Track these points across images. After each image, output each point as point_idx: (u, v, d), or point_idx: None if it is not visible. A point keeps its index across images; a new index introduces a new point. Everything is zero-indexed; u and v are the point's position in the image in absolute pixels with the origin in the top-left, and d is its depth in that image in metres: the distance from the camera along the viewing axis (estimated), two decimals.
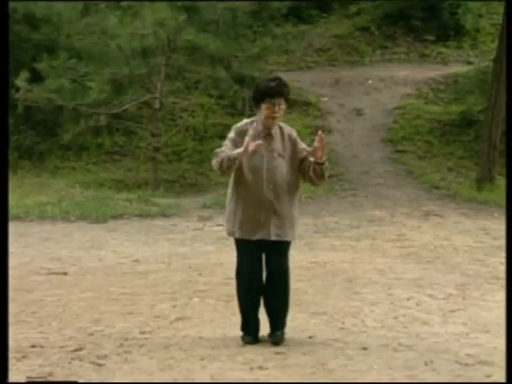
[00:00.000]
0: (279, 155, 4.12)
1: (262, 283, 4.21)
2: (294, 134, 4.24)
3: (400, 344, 4.22)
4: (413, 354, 4.02)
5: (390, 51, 17.26)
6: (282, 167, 4.11)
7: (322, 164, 4.09)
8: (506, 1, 10.97)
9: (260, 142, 4.02)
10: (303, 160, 4.15)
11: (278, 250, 4.17)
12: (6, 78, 4.17)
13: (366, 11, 17.99)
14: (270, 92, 4.06)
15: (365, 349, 4.11)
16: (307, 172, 4.13)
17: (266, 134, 4.13)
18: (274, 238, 4.10)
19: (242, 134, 4.08)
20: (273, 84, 4.09)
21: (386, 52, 17.24)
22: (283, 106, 4.11)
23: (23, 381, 3.57)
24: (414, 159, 13.27)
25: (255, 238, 4.09)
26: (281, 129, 4.21)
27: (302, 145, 4.22)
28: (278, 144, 4.15)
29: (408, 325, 4.65)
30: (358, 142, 13.99)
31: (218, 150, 4.14)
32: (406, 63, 16.77)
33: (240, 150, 3.97)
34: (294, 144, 4.18)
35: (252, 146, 3.94)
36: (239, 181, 4.11)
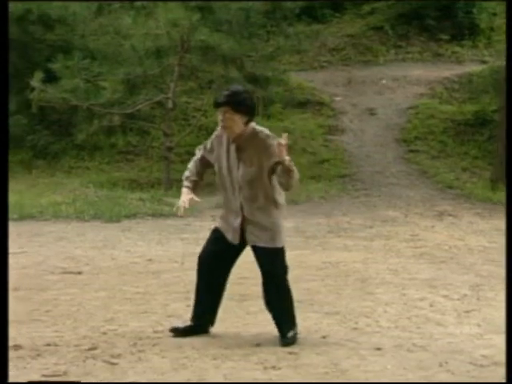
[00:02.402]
0: (247, 163, 4.07)
1: (218, 278, 4.25)
2: (269, 139, 4.08)
3: (414, 345, 4.20)
4: (427, 355, 4.01)
5: (404, 51, 17.21)
6: (250, 175, 4.07)
7: (284, 163, 4.00)
8: (506, 1, 10.89)
9: (185, 201, 4.20)
10: (276, 164, 4.07)
11: (263, 256, 4.16)
12: (6, 77, 4.18)
13: (380, 10, 17.95)
14: (216, 102, 4.13)
15: (378, 349, 4.10)
16: (276, 176, 4.09)
17: (233, 142, 4.13)
18: (250, 243, 4.17)
19: (214, 140, 4.23)
20: (220, 94, 4.16)
21: (399, 51, 17.19)
22: (229, 115, 4.05)
23: (38, 379, 3.60)
24: (428, 159, 13.22)
25: (229, 238, 4.19)
26: (254, 135, 4.11)
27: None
28: (246, 152, 4.09)
29: (422, 325, 4.63)
30: (371, 142, 13.95)
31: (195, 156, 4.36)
32: (420, 63, 16.71)
33: (183, 196, 4.25)
34: (265, 150, 4.05)
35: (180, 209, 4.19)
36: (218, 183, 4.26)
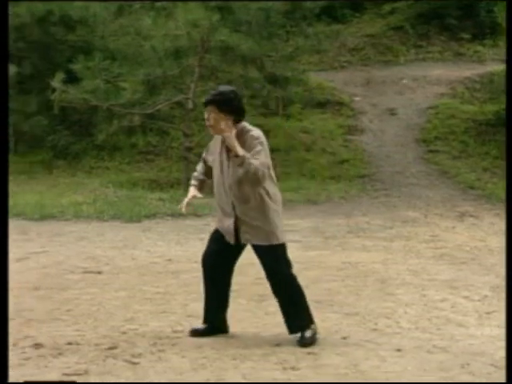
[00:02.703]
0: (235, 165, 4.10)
1: (221, 276, 4.29)
2: (256, 140, 4.08)
3: (434, 346, 4.17)
4: (448, 356, 3.97)
5: (424, 50, 17.12)
6: (238, 175, 4.08)
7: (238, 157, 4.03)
8: (506, 1, 10.77)
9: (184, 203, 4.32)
10: None
11: (263, 254, 4.17)
12: (6, 77, 4.21)
13: (400, 10, 17.87)
14: (204, 103, 4.23)
15: (398, 350, 4.08)
16: None
17: (223, 142, 4.19)
18: (245, 242, 4.19)
19: (215, 141, 4.33)
20: (208, 94, 4.25)
21: (420, 51, 17.10)
22: (213, 114, 4.12)
23: (60, 378, 3.62)
24: (448, 159, 13.13)
25: (226, 238, 4.24)
26: (242, 134, 4.12)
27: (257, 149, 4.06)
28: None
29: (442, 327, 4.60)
30: (391, 142, 13.89)
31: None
32: (441, 62, 16.61)
33: (188, 194, 4.41)
34: (249, 150, 4.06)
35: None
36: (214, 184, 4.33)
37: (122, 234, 8.29)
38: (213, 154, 4.32)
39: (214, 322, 4.36)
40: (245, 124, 4.19)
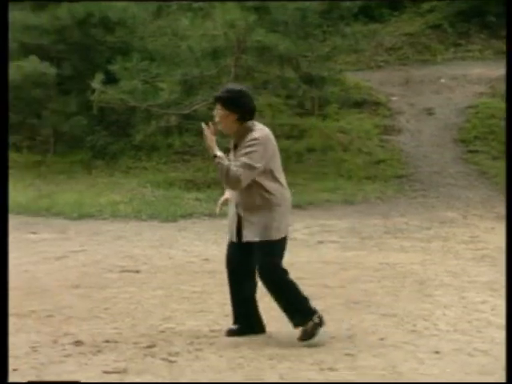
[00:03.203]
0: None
1: (241, 277, 4.30)
2: (251, 141, 4.07)
3: (475, 349, 4.11)
4: (489, 360, 3.91)
5: (464, 49, 16.88)
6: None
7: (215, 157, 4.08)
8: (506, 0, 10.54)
9: None
10: None
11: (256, 251, 4.17)
12: (6, 78, 4.25)
13: (439, 8, 17.65)
14: (213, 99, 4.31)
15: (437, 352, 4.03)
16: None
17: (232, 141, 4.26)
18: (243, 239, 4.20)
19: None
20: (217, 92, 4.32)
21: (459, 50, 16.87)
22: (219, 111, 4.19)
23: (100, 375, 3.66)
24: (488, 159, 12.93)
25: (232, 237, 4.30)
26: (245, 134, 4.14)
27: (248, 149, 4.07)
28: (238, 150, 4.17)
29: (482, 329, 4.53)
30: (429, 142, 13.73)
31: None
32: (480, 61, 16.37)
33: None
34: (241, 150, 4.11)
35: None
36: None
37: (158, 234, 8.36)
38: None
39: (244, 322, 4.37)
40: (252, 123, 4.17)
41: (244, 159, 4.05)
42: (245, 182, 4.06)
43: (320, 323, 4.18)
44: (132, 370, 3.74)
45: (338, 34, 13.03)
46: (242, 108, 4.16)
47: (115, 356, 3.95)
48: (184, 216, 9.52)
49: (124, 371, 3.71)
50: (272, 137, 4.22)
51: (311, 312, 4.20)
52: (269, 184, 4.15)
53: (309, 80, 12.78)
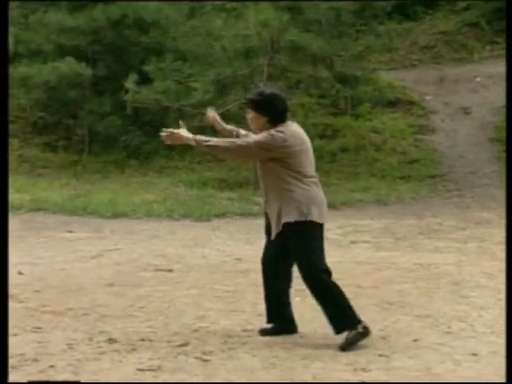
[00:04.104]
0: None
1: (275, 273, 4.31)
2: (274, 132, 4.11)
3: None
4: None
5: (501, 47, 16.60)
6: (263, 169, 4.20)
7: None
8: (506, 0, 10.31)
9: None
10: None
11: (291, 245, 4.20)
12: (6, 78, 4.28)
13: (476, 6, 17.40)
14: (245, 102, 4.44)
15: (474, 355, 3.97)
16: None
17: None
18: (272, 237, 4.23)
19: None
20: (247, 94, 4.39)
21: (495, 48, 16.62)
22: (250, 114, 4.25)
23: (133, 372, 3.70)
24: None
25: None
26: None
27: (259, 136, 4.17)
28: None
29: None
30: (464, 142, 13.56)
31: None
32: None
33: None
34: None
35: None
36: None
37: (192, 233, 8.40)
38: None
39: (277, 321, 4.36)
40: (283, 126, 4.14)
41: (253, 137, 4.22)
42: (241, 151, 4.18)
43: (364, 333, 4.10)
44: (166, 368, 3.77)
45: (371, 33, 12.95)
46: (272, 111, 4.17)
47: (149, 354, 3.98)
48: (217, 215, 9.55)
49: (158, 369, 3.74)
50: (302, 135, 4.20)
51: (355, 321, 4.13)
52: (290, 180, 4.12)
53: (342, 79, 12.72)
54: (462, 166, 12.59)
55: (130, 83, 11.56)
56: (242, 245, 7.70)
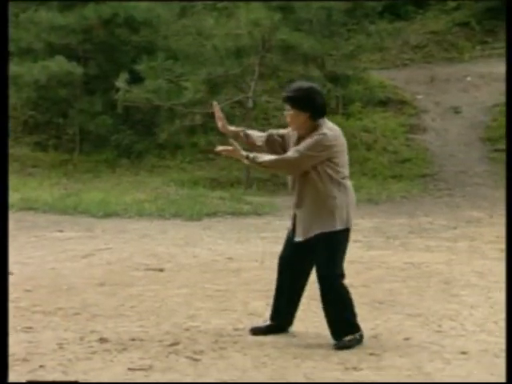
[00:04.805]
0: None
1: (294, 278, 4.25)
2: (315, 136, 4.02)
3: (502, 350, 4.06)
4: None
5: (491, 46, 16.70)
6: (309, 176, 4.08)
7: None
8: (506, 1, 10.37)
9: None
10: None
11: (315, 249, 4.16)
12: (6, 78, 4.27)
13: (466, 6, 17.47)
14: (282, 100, 4.21)
15: (464, 353, 3.99)
16: None
17: (297, 139, 4.17)
18: (296, 238, 4.17)
19: (290, 131, 4.29)
20: (284, 91, 4.21)
21: (485, 47, 16.69)
22: (289, 112, 4.10)
23: (124, 372, 3.69)
24: None
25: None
26: (320, 128, 4.08)
27: (305, 144, 4.04)
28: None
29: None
30: (455, 141, 13.62)
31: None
32: None
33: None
34: None
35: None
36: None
37: (183, 232, 8.39)
38: (284, 142, 4.26)
39: (280, 321, 4.34)
40: (323, 121, 4.09)
41: (299, 147, 4.02)
42: (294, 165, 4.03)
43: (360, 340, 4.11)
44: (157, 367, 3.77)
45: (362, 33, 12.98)
46: (313, 106, 4.04)
47: (140, 354, 3.97)
48: (208, 215, 9.54)
49: (149, 369, 3.74)
50: (342, 137, 4.15)
51: (355, 329, 4.13)
52: (331, 184, 4.08)
53: (333, 79, 12.75)
54: (452, 166, 12.64)
55: (121, 82, 11.54)
56: (233, 244, 7.69)
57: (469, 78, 15.60)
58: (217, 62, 11.72)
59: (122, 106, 12.03)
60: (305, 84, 4.22)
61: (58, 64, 12.50)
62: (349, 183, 4.21)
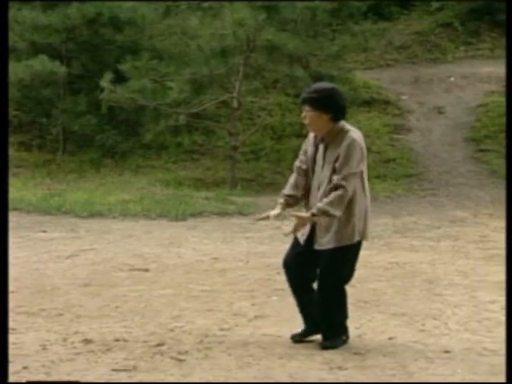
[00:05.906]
0: (330, 163, 3.99)
1: (303, 280, 4.16)
2: (352, 141, 3.96)
3: (485, 348, 4.09)
4: (499, 360, 3.89)
5: (474, 47, 16.80)
6: (326, 177, 4.00)
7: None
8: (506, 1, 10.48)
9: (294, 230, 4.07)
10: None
11: (323, 258, 4.08)
12: (6, 78, 4.25)
13: (450, 6, 17.56)
14: (300, 101, 4.11)
15: (447, 352, 4.01)
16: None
17: (319, 142, 4.08)
18: (317, 247, 4.06)
19: (307, 142, 4.20)
20: (303, 92, 4.11)
21: (469, 48, 16.79)
22: (309, 113, 4.00)
23: (108, 373, 3.67)
24: (498, 158, 12.86)
25: (300, 239, 4.14)
26: (340, 135, 4.00)
27: (346, 153, 3.95)
28: (330, 151, 4.01)
29: (493, 329, 4.51)
30: (439, 141, 13.69)
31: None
32: (491, 59, 16.27)
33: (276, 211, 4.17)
34: (336, 156, 3.97)
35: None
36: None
37: (168, 232, 8.37)
38: (308, 153, 4.14)
39: (311, 323, 4.21)
40: (343, 123, 4.04)
41: (344, 171, 3.91)
42: (351, 192, 3.97)
43: (345, 341, 4.12)
44: (141, 368, 3.75)
45: (347, 33, 13.01)
46: (335, 107, 3.97)
47: (125, 354, 3.96)
48: (193, 215, 9.52)
49: (133, 369, 3.72)
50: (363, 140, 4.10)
51: (344, 330, 4.13)
52: (358, 190, 4.03)
53: (318, 79, 12.72)
54: (436, 166, 12.71)
55: (105, 82, 11.48)
56: (218, 244, 7.69)
57: (452, 79, 15.69)
58: (201, 61, 11.70)
59: (107, 105, 11.97)
60: (327, 85, 4.16)
61: (42, 63, 12.42)
62: (368, 191, 4.16)
